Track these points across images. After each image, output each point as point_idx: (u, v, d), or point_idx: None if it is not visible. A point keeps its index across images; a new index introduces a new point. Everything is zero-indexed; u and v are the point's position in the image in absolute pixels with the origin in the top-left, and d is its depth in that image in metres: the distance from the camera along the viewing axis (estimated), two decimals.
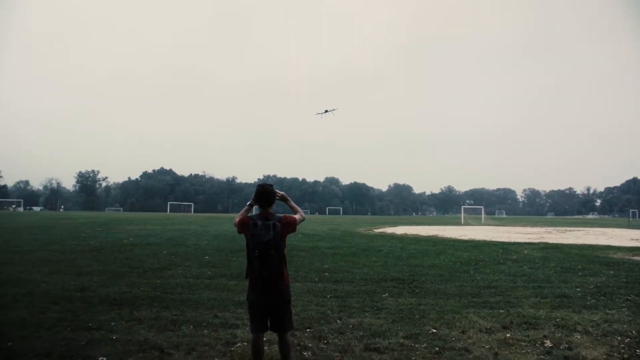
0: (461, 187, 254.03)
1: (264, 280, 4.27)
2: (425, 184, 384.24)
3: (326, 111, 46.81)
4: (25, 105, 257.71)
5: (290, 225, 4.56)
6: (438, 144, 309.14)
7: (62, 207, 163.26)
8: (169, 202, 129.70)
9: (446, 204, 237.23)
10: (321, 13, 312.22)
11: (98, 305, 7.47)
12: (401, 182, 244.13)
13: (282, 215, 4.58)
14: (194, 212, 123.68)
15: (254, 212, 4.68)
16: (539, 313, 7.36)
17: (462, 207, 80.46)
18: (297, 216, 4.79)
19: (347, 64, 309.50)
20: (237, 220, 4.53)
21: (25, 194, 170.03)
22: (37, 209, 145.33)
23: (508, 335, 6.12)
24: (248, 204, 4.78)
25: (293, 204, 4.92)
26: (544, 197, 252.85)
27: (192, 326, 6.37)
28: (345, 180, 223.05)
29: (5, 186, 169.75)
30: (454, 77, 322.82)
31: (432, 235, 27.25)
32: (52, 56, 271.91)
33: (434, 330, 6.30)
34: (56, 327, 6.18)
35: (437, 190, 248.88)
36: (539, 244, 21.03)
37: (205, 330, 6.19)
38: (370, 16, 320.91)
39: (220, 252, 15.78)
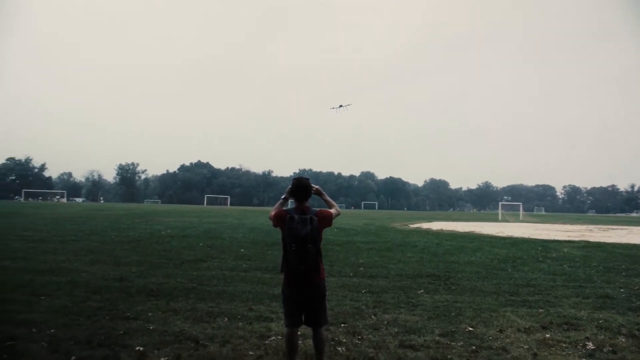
0: (498, 182, 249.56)
1: (300, 274, 4.26)
2: (462, 180, 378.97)
3: (340, 106, 46.63)
4: (68, 100, 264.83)
5: (327, 220, 4.54)
6: (475, 139, 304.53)
7: (102, 198, 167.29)
8: (205, 195, 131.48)
9: (483, 200, 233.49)
10: (359, 4, 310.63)
11: (136, 296, 7.62)
12: (437, 177, 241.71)
13: (318, 209, 4.56)
14: (230, 205, 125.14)
15: (288, 206, 4.66)
16: (580, 314, 7.13)
17: (500, 203, 79.11)
18: (332, 210, 4.76)
19: (383, 56, 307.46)
20: (273, 213, 4.52)
21: (68, 186, 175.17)
22: (79, 200, 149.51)
23: (547, 335, 5.95)
24: (283, 197, 4.77)
25: (328, 198, 4.89)
26: (585, 194, 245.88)
27: (227, 318, 6.42)
28: (381, 174, 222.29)
29: (50, 178, 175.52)
30: (494, 70, 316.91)
31: (468, 232, 26.84)
32: (92, 52, 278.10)
33: (471, 329, 6.18)
34: (95, 316, 6.32)
35: (473, 186, 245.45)
36: (579, 242, 20.45)
37: (240, 323, 6.22)
38: (407, 7, 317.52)
39: (256, 245, 15.89)
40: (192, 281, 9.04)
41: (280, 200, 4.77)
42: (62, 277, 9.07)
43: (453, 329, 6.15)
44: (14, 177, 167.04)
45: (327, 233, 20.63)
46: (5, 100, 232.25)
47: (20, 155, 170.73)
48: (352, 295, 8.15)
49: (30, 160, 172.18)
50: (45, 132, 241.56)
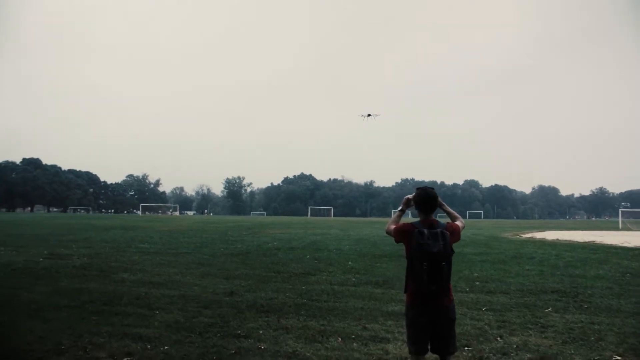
0: (615, 188, 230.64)
1: (430, 295, 3.75)
2: (574, 186, 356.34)
3: (369, 115, 45.05)
4: (178, 118, 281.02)
5: (456, 234, 4.02)
6: (588, 142, 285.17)
7: (205, 211, 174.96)
8: (309, 207, 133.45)
9: (598, 207, 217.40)
10: (462, 12, 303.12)
11: (246, 311, 7.44)
12: (546, 183, 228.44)
13: (446, 222, 4.06)
14: (333, 215, 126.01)
15: (408, 219, 4.18)
16: None
17: (620, 210, 73.09)
18: (459, 223, 4.24)
19: (492, 60, 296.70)
20: (394, 227, 4.07)
21: (180, 199, 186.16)
22: (190, 213, 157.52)
23: None
24: (399, 209, 4.31)
25: (449, 208, 4.37)
26: None
27: (340, 338, 6.03)
28: (486, 182, 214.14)
29: (164, 192, 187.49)
30: (606, 71, 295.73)
31: (588, 242, 24.67)
32: (199, 70, 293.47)
33: (618, 358, 5.34)
34: (207, 333, 6.18)
35: (586, 192, 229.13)
36: None
37: (355, 344, 5.80)
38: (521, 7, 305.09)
39: (363, 257, 15.47)
40: (301, 296, 8.77)
41: (397, 212, 4.32)
42: (175, 290, 9.17)
43: (596, 357, 5.36)
44: (133, 193, 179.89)
45: None
46: (125, 125, 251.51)
47: (138, 172, 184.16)
48: (472, 314, 7.47)
49: (147, 176, 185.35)
50: (160, 150, 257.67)
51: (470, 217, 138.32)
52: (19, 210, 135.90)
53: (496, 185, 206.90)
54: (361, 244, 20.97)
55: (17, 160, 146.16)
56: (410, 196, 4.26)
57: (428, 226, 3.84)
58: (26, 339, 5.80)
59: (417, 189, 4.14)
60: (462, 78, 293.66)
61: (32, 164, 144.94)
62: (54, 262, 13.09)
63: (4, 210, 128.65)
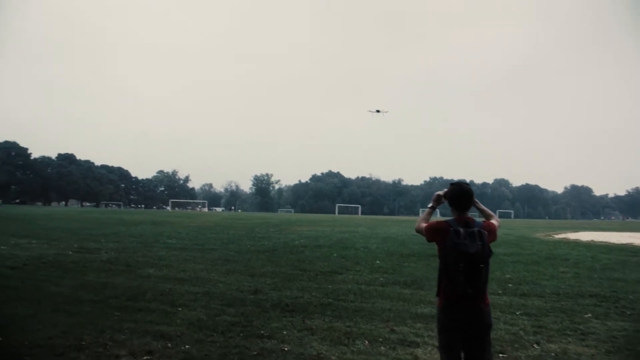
0: None
1: (466, 299, 3.50)
2: (608, 185, 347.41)
3: (378, 111, 44.46)
4: (207, 114, 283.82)
5: (493, 234, 3.75)
6: (623, 140, 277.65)
7: (233, 207, 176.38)
8: (337, 204, 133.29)
9: (634, 208, 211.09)
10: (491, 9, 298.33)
11: (270, 311, 7.27)
12: (579, 183, 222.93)
13: (483, 221, 3.80)
14: (361, 214, 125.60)
15: (438, 216, 3.94)
16: None
17: None
18: (494, 222, 3.97)
19: (521, 54, 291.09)
20: (425, 225, 3.83)
21: (209, 196, 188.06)
22: (218, 209, 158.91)
23: None
24: (430, 206, 4.06)
25: (483, 206, 4.10)
26: None
27: (367, 341, 5.80)
28: (516, 181, 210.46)
29: (193, 189, 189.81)
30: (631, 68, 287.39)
31: (626, 243, 23.81)
32: (225, 68, 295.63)
33: None
34: (229, 332, 6.02)
35: (622, 192, 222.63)
36: None
37: (382, 347, 5.57)
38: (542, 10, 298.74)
39: (391, 256, 15.19)
40: (327, 295, 8.56)
41: (428, 210, 4.08)
42: (199, 287, 9.06)
43: None
44: (163, 188, 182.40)
45: None
46: (155, 122, 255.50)
47: (168, 168, 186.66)
48: (506, 318, 7.15)
49: (177, 172, 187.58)
50: (189, 146, 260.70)
51: (500, 217, 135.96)
52: (54, 204, 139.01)
53: (527, 184, 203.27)
54: (389, 242, 20.67)
55: (53, 155, 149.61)
56: (441, 192, 4.02)
57: (464, 225, 3.58)
58: (49, 333, 5.75)
59: (451, 184, 3.89)
60: (493, 73, 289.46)
61: (66, 159, 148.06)
62: (82, 256, 13.19)
63: (39, 204, 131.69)
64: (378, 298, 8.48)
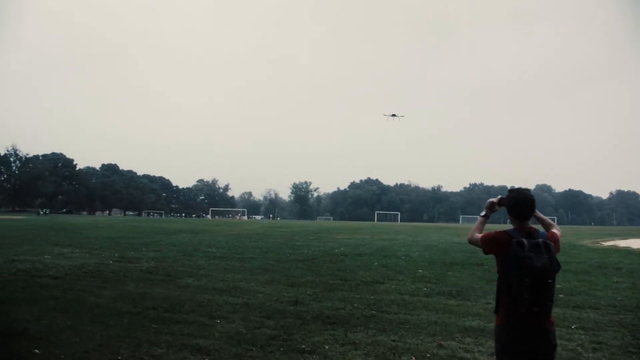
0: None
1: (531, 318, 3.13)
2: None
3: (393, 115, 43.62)
4: (247, 124, 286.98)
5: (557, 245, 3.39)
6: None
7: (271, 215, 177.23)
8: (376, 211, 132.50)
9: None
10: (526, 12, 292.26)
11: (311, 323, 6.99)
12: (626, 188, 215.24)
13: (546, 231, 3.44)
14: (400, 221, 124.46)
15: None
16: None
17: None
18: (556, 231, 3.60)
19: (560, 60, 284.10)
20: (481, 236, 3.49)
21: (248, 204, 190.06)
22: (257, 217, 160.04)
23: None
24: (483, 214, 3.73)
25: (542, 215, 3.73)
26: None
27: (414, 357, 5.46)
28: (559, 187, 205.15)
29: (232, 197, 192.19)
30: None
31: None
32: (269, 80, 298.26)
33: None
34: (269, 346, 5.77)
35: None
36: None
37: None
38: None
39: (434, 265, 14.73)
40: (370, 307, 8.22)
41: (481, 218, 3.75)
42: (238, 297, 8.86)
43: None
44: (203, 197, 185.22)
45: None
46: (195, 131, 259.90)
47: (208, 177, 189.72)
48: (561, 332, 6.66)
49: (217, 181, 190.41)
50: (229, 156, 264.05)
51: None
52: (98, 213, 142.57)
53: (570, 190, 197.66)
54: (431, 250, 20.15)
55: (97, 166, 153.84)
56: (495, 199, 3.68)
57: (526, 235, 3.23)
58: (85, 346, 5.63)
59: (510, 190, 3.54)
60: (533, 77, 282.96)
61: (110, 169, 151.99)
62: (122, 265, 13.21)
63: (85, 213, 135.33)
64: (423, 310, 8.10)
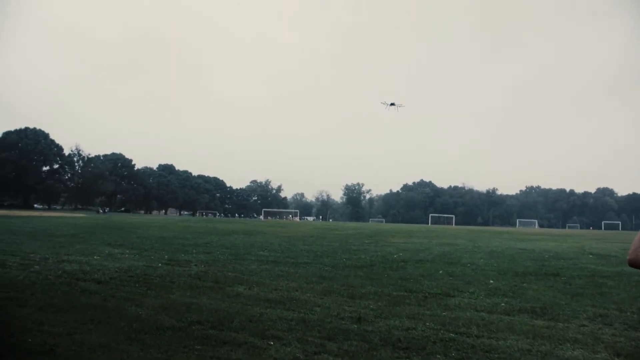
0: None
1: None
2: None
3: (392, 104, 41.23)
4: (299, 124, 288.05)
5: None
6: None
7: (321, 217, 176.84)
8: (430, 214, 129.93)
9: None
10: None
11: (380, 347, 5.91)
12: None
13: None
14: (455, 224, 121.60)
15: None
16: None
17: None
18: None
19: (623, 60, 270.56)
20: None
21: (300, 205, 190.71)
22: (309, 218, 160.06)
23: None
24: None
25: None
26: None
27: None
28: (622, 190, 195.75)
29: (285, 198, 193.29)
30: None
31: None
32: (321, 72, 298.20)
33: None
34: None
35: None
36: None
37: None
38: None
39: (504, 274, 13.37)
40: (445, 327, 7.06)
41: None
42: (294, 311, 7.85)
43: None
44: (256, 198, 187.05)
45: (582, 260, 17.20)
46: (248, 132, 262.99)
47: (261, 178, 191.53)
48: None
49: (269, 182, 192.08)
50: (282, 157, 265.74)
51: (606, 229, 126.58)
52: (154, 212, 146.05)
53: (634, 193, 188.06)
54: (496, 257, 18.66)
55: (154, 166, 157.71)
56: None
57: None
58: None
59: None
60: (593, 79, 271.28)
61: (166, 170, 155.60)
62: (171, 269, 12.50)
63: (142, 212, 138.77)
64: (508, 332, 6.88)
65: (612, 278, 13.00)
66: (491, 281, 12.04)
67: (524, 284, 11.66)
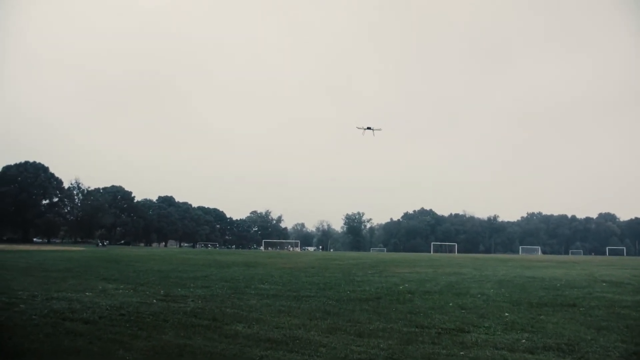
0: None
1: None
2: None
3: (369, 128, 40.73)
4: (296, 153, 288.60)
5: None
6: None
7: (321, 247, 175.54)
8: (432, 243, 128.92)
9: None
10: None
11: None
12: None
13: None
14: (457, 252, 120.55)
15: None
16: None
17: None
18: None
19: (624, 83, 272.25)
20: None
21: (301, 235, 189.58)
22: (310, 248, 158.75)
23: None
24: None
25: None
26: None
27: None
28: (624, 215, 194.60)
29: (285, 228, 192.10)
30: None
31: None
32: (318, 110, 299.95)
33: None
34: None
35: None
36: None
37: None
38: None
39: (518, 306, 12.65)
40: None
41: None
42: (298, 353, 7.12)
43: None
44: (256, 229, 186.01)
45: (596, 289, 16.45)
46: (248, 165, 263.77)
47: (261, 209, 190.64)
48: None
49: (270, 213, 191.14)
50: (282, 187, 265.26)
51: (610, 254, 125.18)
52: (154, 244, 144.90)
53: (637, 218, 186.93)
54: (506, 287, 17.91)
55: (154, 198, 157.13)
56: None
57: None
58: None
59: None
60: (594, 102, 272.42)
61: (166, 201, 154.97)
62: (165, 306, 11.75)
63: (142, 244, 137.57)
64: None
65: (634, 308, 12.32)
66: (506, 314, 11.33)
67: (542, 317, 10.97)
